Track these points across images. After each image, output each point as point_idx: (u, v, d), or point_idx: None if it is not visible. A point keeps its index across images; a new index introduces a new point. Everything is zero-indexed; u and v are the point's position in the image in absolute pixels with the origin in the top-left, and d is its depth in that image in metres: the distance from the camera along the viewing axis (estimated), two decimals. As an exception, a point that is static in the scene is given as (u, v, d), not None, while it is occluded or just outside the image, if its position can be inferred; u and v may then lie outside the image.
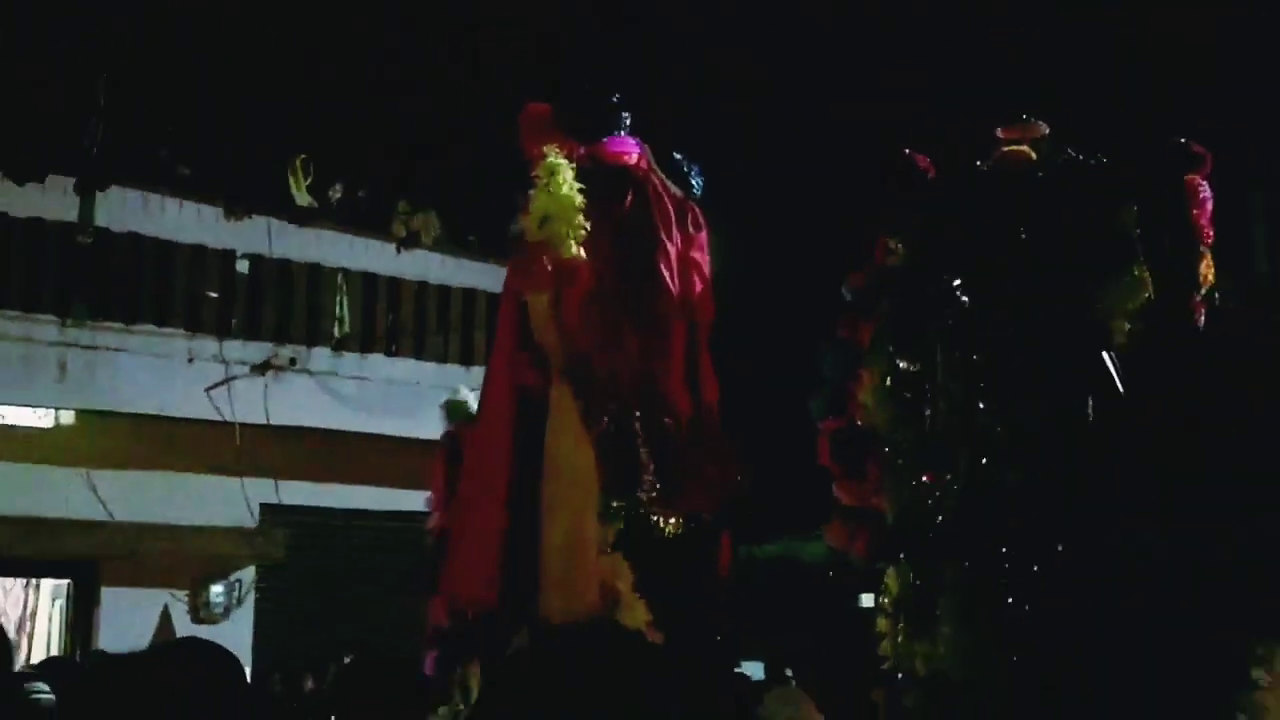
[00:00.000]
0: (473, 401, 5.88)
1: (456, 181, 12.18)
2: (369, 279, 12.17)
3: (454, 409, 6.36)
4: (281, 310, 11.67)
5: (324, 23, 10.89)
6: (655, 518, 4.23)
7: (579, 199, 4.16)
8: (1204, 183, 3.97)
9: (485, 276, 12.04)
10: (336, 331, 11.78)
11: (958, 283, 3.99)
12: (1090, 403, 3.83)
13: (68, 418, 11.01)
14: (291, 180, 11.85)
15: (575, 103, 4.52)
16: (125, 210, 11.02)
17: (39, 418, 10.97)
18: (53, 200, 10.71)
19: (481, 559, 4.28)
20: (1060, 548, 3.74)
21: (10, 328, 10.47)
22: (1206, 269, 3.92)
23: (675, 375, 4.36)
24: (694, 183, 4.65)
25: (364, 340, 11.97)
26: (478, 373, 12.06)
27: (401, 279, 12.36)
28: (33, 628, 11.93)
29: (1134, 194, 3.92)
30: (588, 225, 4.19)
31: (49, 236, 10.77)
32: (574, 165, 4.26)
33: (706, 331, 4.60)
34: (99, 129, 10.89)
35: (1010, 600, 3.79)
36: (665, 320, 4.35)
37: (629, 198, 4.36)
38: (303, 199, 11.94)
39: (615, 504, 4.19)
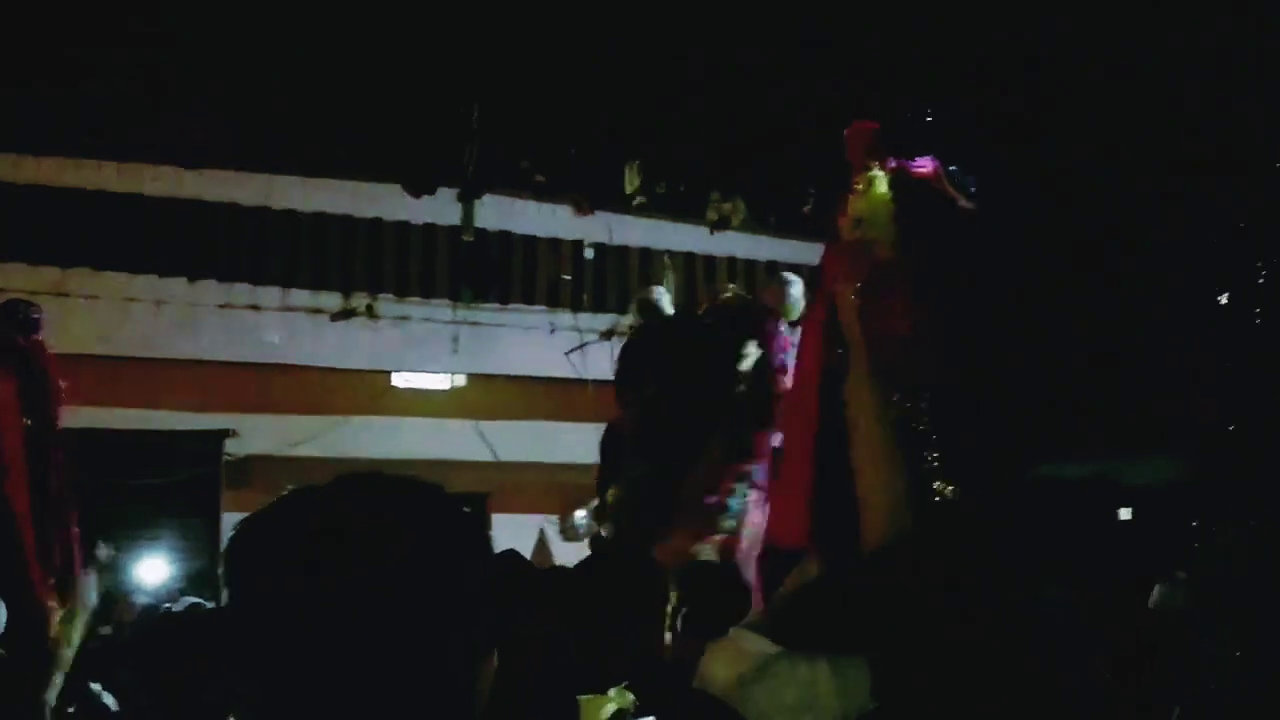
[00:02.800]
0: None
1: (757, 174, 12.70)
2: (689, 257, 13.02)
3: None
4: (621, 286, 12.51)
5: (647, 49, 11.49)
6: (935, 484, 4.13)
7: (892, 207, 4.22)
8: None
9: (783, 250, 12.87)
10: None
11: None
12: None
13: (460, 380, 12.24)
14: (625, 180, 12.39)
15: (896, 122, 4.55)
16: (497, 212, 12.13)
17: (438, 381, 12.24)
18: (442, 208, 11.88)
19: (794, 508, 4.33)
20: None
21: (414, 310, 11.88)
22: None
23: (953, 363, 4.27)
24: (971, 191, 4.50)
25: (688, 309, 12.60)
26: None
27: (715, 256, 13.13)
28: None
29: None
30: (896, 231, 4.23)
31: (440, 237, 12.03)
32: (889, 177, 4.30)
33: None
34: (474, 148, 11.68)
35: None
36: (947, 315, 4.23)
37: (930, 208, 4.31)
38: (634, 195, 12.51)
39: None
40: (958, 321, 4.19)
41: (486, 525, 11.68)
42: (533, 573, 2.39)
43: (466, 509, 1.31)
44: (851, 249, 4.24)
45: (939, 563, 2.35)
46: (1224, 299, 3.70)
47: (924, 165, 4.35)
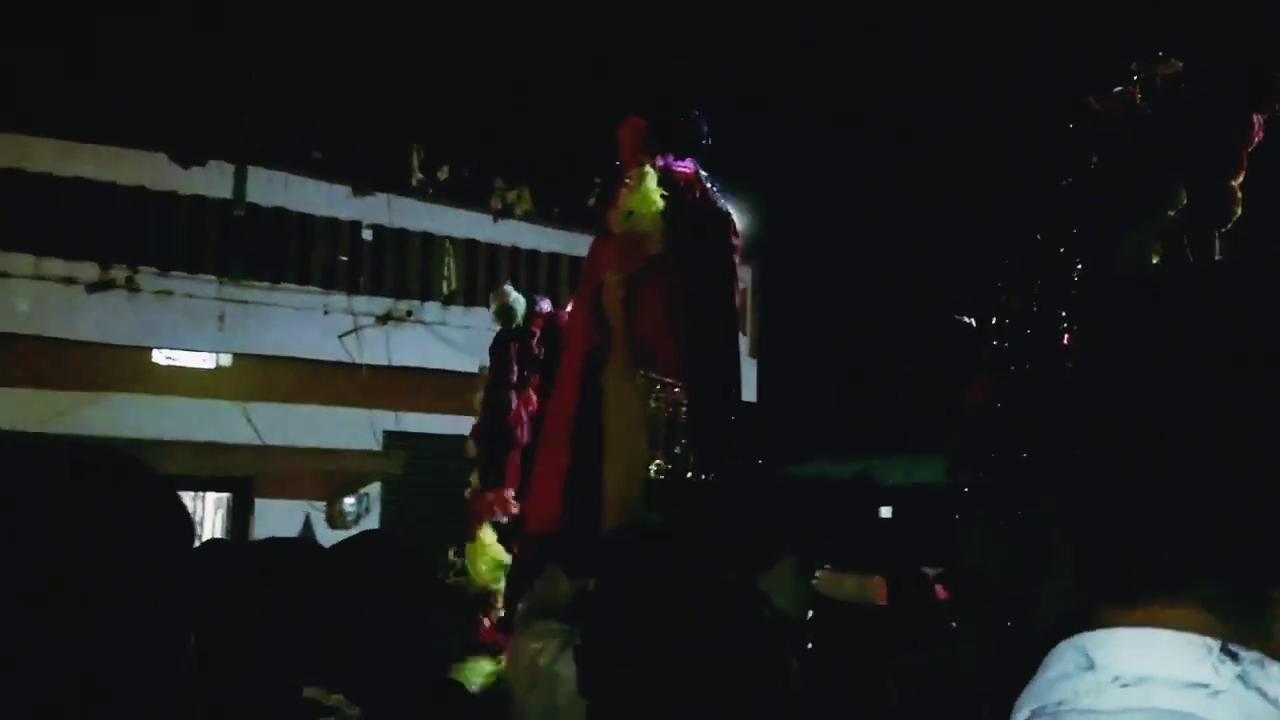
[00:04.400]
0: (519, 305, 6.45)
1: (543, 163, 12.92)
2: (471, 245, 12.91)
3: (501, 312, 6.57)
4: (399, 271, 12.49)
5: (436, 28, 11.89)
6: (689, 472, 4.31)
7: (661, 203, 4.34)
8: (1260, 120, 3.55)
9: (566, 243, 12.85)
10: (445, 289, 12.64)
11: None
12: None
13: (226, 360, 11.81)
14: (409, 162, 12.75)
15: (667, 120, 4.61)
16: (271, 188, 11.84)
17: (203, 360, 11.80)
18: (213, 180, 11.58)
19: (550, 494, 4.44)
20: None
21: (178, 285, 11.35)
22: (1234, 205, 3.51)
23: (716, 355, 4.49)
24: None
25: (468, 295, 12.65)
26: (561, 322, 13.47)
27: (498, 245, 13.07)
28: (200, 531, 11.94)
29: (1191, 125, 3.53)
30: (663, 225, 4.34)
31: (209, 210, 11.58)
32: (659, 174, 4.42)
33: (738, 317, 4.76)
34: (249, 120, 11.69)
35: None
36: (714, 309, 4.51)
37: (695, 204, 4.50)
38: (417, 178, 12.85)
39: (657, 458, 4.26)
40: (718, 316, 4.51)
41: (249, 510, 11.97)
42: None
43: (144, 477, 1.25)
44: (620, 241, 4.48)
45: (673, 550, 2.34)
46: (1002, 298, 3.84)
47: (685, 165, 4.58)
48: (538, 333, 6.42)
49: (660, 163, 4.53)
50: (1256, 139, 3.55)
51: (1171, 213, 3.52)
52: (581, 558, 3.23)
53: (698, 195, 4.54)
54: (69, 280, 10.88)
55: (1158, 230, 3.52)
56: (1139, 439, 0.93)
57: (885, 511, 11.42)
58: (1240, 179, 3.53)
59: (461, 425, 12.11)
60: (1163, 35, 3.91)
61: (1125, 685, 0.90)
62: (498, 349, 6.63)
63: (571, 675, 2.16)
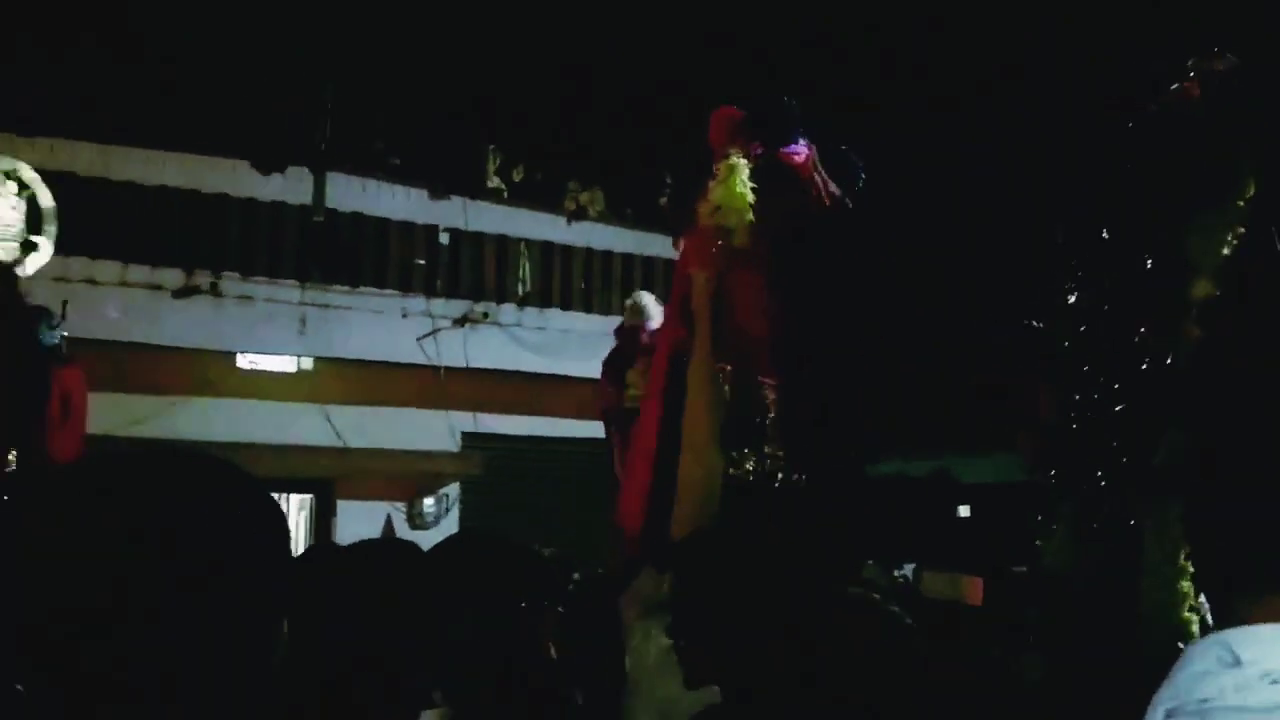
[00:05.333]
0: (650, 307, 6.49)
1: (617, 164, 12.94)
2: (546, 246, 12.96)
3: (633, 309, 6.73)
4: (475, 273, 12.55)
5: (508, 31, 11.90)
6: (776, 470, 4.22)
7: (750, 196, 4.26)
8: None
9: (639, 243, 13.04)
10: (520, 290, 12.68)
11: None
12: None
13: (307, 363, 11.93)
14: (484, 166, 12.83)
15: (762, 110, 4.54)
16: (349, 194, 11.98)
17: (285, 364, 11.92)
18: (292, 187, 11.76)
19: (637, 491, 4.40)
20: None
21: (259, 290, 11.52)
22: None
23: (811, 353, 4.35)
24: (859, 175, 4.60)
25: (543, 297, 12.80)
26: (635, 324, 13.46)
27: (572, 246, 13.13)
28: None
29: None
30: (755, 218, 4.26)
31: (289, 216, 11.75)
32: (750, 165, 4.33)
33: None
34: (327, 127, 11.82)
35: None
36: (811, 305, 4.37)
37: (793, 196, 4.35)
38: (492, 181, 12.94)
39: (736, 455, 4.20)
40: (810, 316, 4.36)
41: (331, 511, 12.03)
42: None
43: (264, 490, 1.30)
44: (707, 235, 4.40)
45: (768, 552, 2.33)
46: (1072, 299, 3.77)
47: (798, 152, 4.45)
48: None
49: (759, 150, 4.41)
50: None
51: (1240, 204, 3.45)
52: (667, 556, 3.19)
53: (807, 184, 4.38)
54: (154, 287, 11.07)
55: (1227, 224, 3.46)
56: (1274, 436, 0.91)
57: (963, 510, 11.30)
58: None
59: (538, 426, 12.66)
60: (1217, 31, 3.86)
61: (1275, 682, 0.89)
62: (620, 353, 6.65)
63: (676, 672, 2.18)
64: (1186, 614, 3.22)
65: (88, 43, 10.81)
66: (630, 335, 6.57)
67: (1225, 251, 3.43)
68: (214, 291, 11.30)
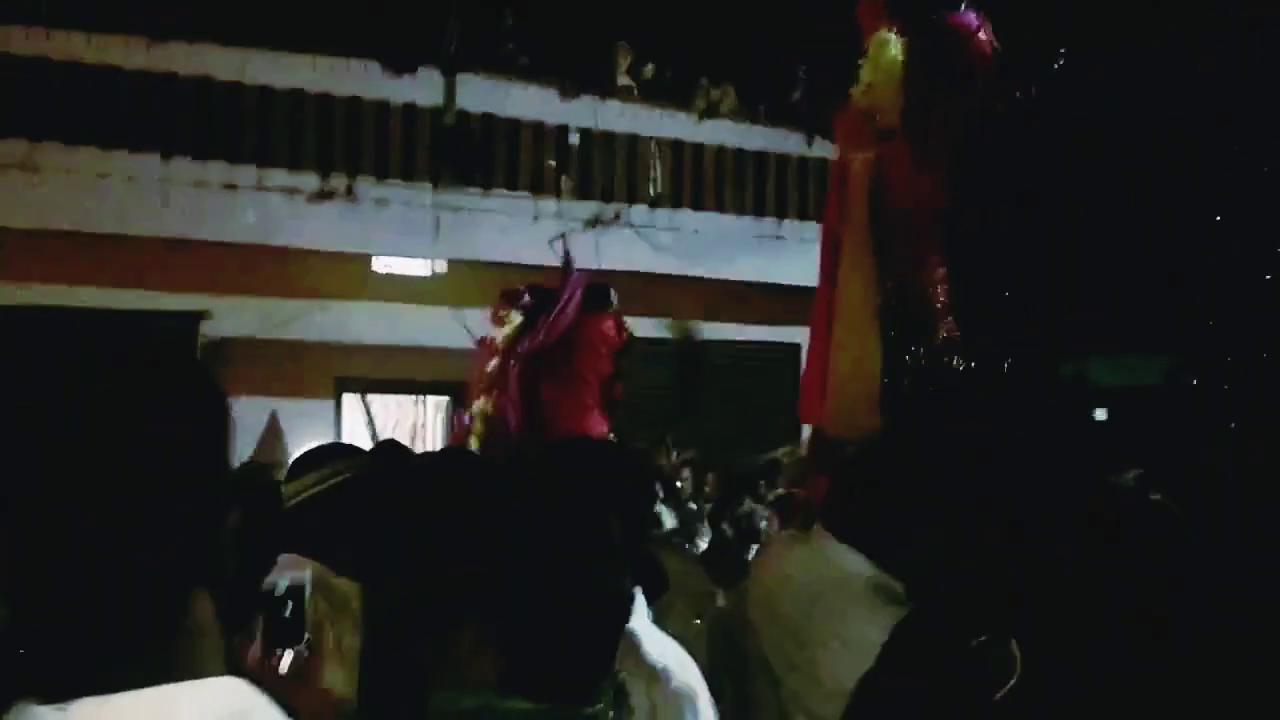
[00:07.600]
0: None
1: (748, 60, 12.58)
2: (677, 145, 12.82)
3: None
4: (606, 174, 12.45)
5: None
6: (949, 359, 3.95)
7: (900, 71, 4.02)
8: None
9: (772, 140, 12.85)
10: (651, 191, 12.61)
11: None
12: None
13: (440, 266, 12.13)
14: (614, 64, 12.69)
15: None
16: (480, 95, 11.94)
17: (418, 267, 12.16)
18: (423, 89, 11.72)
19: (814, 382, 4.24)
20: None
21: (393, 194, 11.54)
22: None
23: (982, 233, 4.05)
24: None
25: (674, 197, 12.69)
26: (768, 223, 13.27)
27: (703, 145, 12.96)
28: (425, 435, 12.57)
29: None
30: (912, 95, 4.00)
31: (421, 119, 11.70)
32: (903, 39, 4.08)
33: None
34: (457, 28, 11.76)
35: None
36: (980, 181, 4.06)
37: (961, 71, 4.04)
38: (622, 80, 12.79)
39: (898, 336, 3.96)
40: (966, 200, 3.99)
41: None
42: None
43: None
44: (858, 115, 4.16)
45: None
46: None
47: (968, 19, 4.06)
48: None
49: (924, 19, 4.08)
50: None
51: None
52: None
53: (972, 55, 4.04)
54: (292, 190, 11.19)
55: None
56: None
57: (1100, 414, 10.94)
58: None
59: (662, 328, 12.51)
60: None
61: None
62: None
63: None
64: None
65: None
66: None
67: None
68: (349, 195, 11.34)
